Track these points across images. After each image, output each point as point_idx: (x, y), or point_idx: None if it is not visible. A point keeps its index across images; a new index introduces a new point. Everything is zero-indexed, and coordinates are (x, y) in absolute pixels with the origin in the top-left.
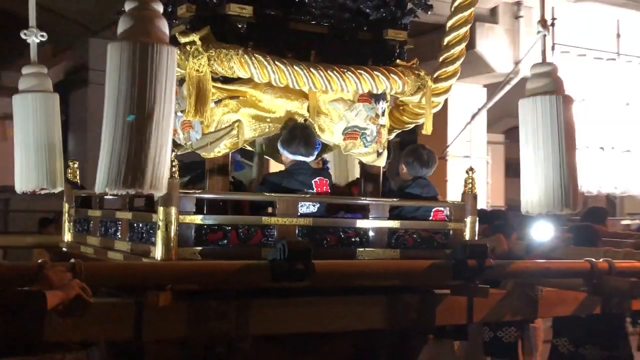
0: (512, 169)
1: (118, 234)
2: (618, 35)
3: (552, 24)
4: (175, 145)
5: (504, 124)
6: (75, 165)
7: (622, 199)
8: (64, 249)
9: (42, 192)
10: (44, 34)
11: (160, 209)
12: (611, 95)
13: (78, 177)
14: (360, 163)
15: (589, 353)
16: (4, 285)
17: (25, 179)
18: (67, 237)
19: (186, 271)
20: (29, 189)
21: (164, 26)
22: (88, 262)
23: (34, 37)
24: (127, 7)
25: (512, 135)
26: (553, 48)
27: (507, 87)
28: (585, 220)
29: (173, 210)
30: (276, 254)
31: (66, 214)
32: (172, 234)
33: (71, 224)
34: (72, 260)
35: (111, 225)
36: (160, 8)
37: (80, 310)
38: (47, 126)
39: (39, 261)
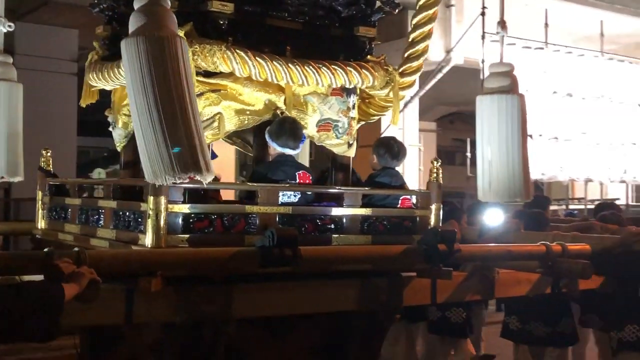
0: (443, 157)
1: (101, 221)
2: (546, 25)
3: (483, 14)
4: None
5: (436, 112)
6: (49, 154)
7: (549, 185)
8: (38, 236)
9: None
10: (12, 24)
11: (151, 198)
12: (539, 83)
13: (51, 166)
14: (332, 153)
15: (534, 329)
16: (12, 273)
17: None
18: (41, 224)
19: (184, 258)
20: None
21: (173, 20)
22: (89, 250)
23: (1, 27)
24: (137, 4)
25: (443, 124)
26: (483, 37)
27: (439, 76)
28: (528, 206)
29: (162, 199)
30: (265, 240)
31: (40, 202)
32: (162, 223)
33: (45, 211)
34: (76, 249)
35: (93, 213)
36: (169, 4)
37: (94, 296)
38: (10, 115)
39: (46, 250)
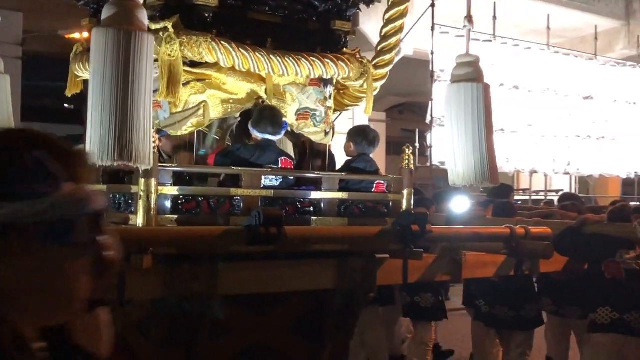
0: (392, 147)
1: None
2: (494, 18)
3: (433, 5)
4: None
5: (385, 103)
6: None
7: (513, 176)
8: None
9: None
10: None
11: (142, 181)
12: (486, 75)
13: None
14: (309, 141)
15: (500, 313)
16: None
17: None
18: None
19: (177, 235)
20: None
21: (143, 16)
22: None
23: None
24: None
25: (392, 114)
26: (433, 29)
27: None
28: (493, 194)
29: (153, 182)
30: (252, 220)
31: None
32: (152, 204)
33: None
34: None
35: None
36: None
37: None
38: (1, 106)
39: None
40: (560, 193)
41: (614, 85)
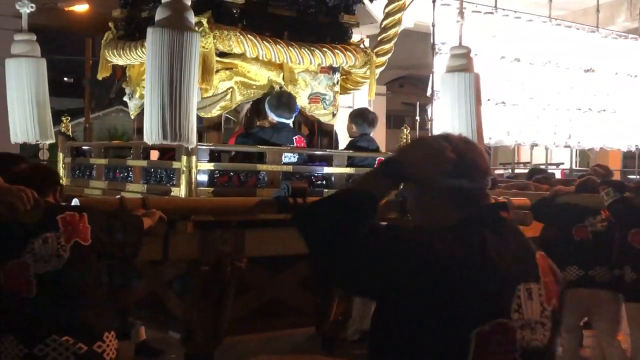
0: (393, 121)
1: (130, 178)
2: None
3: None
4: None
5: (386, 76)
6: (68, 120)
7: (496, 149)
8: None
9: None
10: (34, 5)
11: (184, 158)
12: (488, 48)
13: (70, 131)
14: (318, 121)
15: None
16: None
17: (20, 132)
18: (64, 182)
19: (219, 205)
20: (24, 141)
21: (192, 17)
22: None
23: (25, 8)
24: None
25: (392, 87)
26: (434, 1)
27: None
28: None
29: (194, 158)
30: (281, 192)
31: (61, 162)
32: (193, 177)
33: (66, 171)
34: (140, 196)
35: (122, 171)
36: (189, 1)
37: (162, 230)
38: (38, 88)
39: (117, 197)
40: (530, 168)
41: (615, 58)
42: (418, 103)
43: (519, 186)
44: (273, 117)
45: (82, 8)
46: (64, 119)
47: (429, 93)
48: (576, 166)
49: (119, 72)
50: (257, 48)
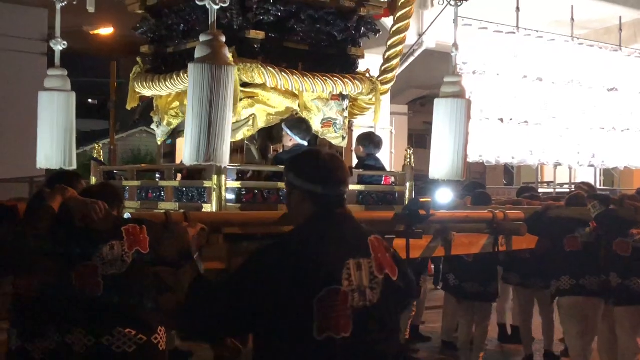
0: (414, 140)
1: (162, 197)
2: (517, 9)
3: None
4: None
5: (407, 96)
6: (100, 147)
7: (519, 168)
8: None
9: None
10: (65, 42)
11: (215, 177)
12: (510, 67)
13: (102, 156)
14: (329, 144)
15: (469, 287)
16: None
17: (45, 159)
18: None
19: (249, 218)
20: (50, 166)
21: (227, 52)
22: (191, 211)
23: (59, 46)
24: (202, 38)
25: (414, 107)
26: (455, 21)
27: (411, 59)
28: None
29: (224, 178)
30: None
31: None
32: (223, 195)
33: None
34: (182, 210)
35: (154, 191)
36: (224, 39)
37: (203, 239)
38: (66, 119)
39: (163, 211)
40: (520, 186)
41: (639, 77)
42: None
43: (512, 202)
44: (295, 138)
45: (107, 31)
46: (96, 145)
47: None
48: (600, 185)
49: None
50: (276, 78)
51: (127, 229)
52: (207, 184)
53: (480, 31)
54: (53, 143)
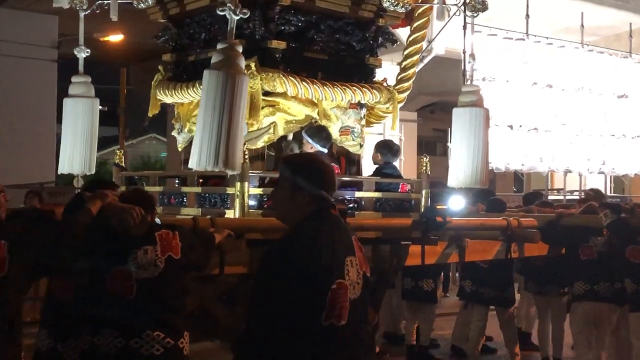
0: (424, 146)
1: (184, 202)
2: (527, 16)
3: (465, 4)
4: None
5: (416, 103)
6: (122, 152)
7: (529, 175)
8: None
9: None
10: (89, 50)
11: (238, 184)
12: (519, 74)
13: (123, 162)
14: (346, 151)
15: (484, 292)
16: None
17: (67, 164)
18: None
19: (271, 224)
20: (73, 172)
21: (242, 62)
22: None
23: (82, 53)
24: (219, 46)
25: (424, 114)
26: (465, 28)
27: (420, 66)
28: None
29: (246, 184)
30: None
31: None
32: (246, 201)
33: None
34: (208, 216)
35: (176, 197)
36: (240, 49)
37: (230, 245)
38: (90, 125)
39: (191, 217)
40: (526, 193)
41: None
42: (449, 129)
43: (523, 210)
44: (314, 145)
45: (116, 38)
46: (117, 151)
47: None
48: (611, 192)
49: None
50: (297, 87)
51: (160, 234)
52: (229, 190)
53: (489, 38)
54: (75, 148)
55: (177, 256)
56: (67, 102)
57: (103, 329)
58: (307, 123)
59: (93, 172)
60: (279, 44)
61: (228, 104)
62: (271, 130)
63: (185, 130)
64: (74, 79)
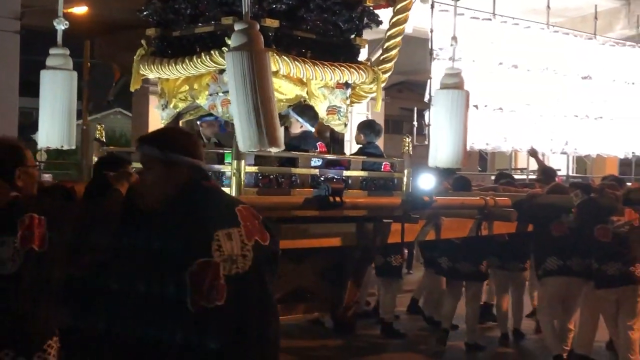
0: (391, 126)
1: None
2: None
3: None
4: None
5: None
6: (102, 127)
7: (493, 155)
8: None
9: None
10: (67, 22)
11: (234, 162)
12: (485, 54)
13: (104, 137)
14: (331, 131)
15: (462, 267)
16: None
17: (47, 137)
18: None
19: (271, 202)
20: (52, 145)
21: (262, 39)
22: None
23: (61, 25)
24: (237, 27)
25: (391, 92)
26: (432, 6)
27: (387, 44)
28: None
29: (243, 162)
30: (321, 191)
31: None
32: (242, 179)
33: None
34: None
35: None
36: (258, 27)
37: None
38: (68, 98)
39: None
40: (497, 173)
41: (612, 65)
42: (416, 108)
43: (489, 189)
44: (305, 124)
45: (81, 10)
46: (98, 125)
47: (426, 98)
48: (573, 173)
49: (118, 75)
50: (289, 66)
51: None
52: (225, 168)
53: (457, 17)
54: (55, 121)
55: None
56: (44, 74)
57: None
58: (296, 102)
59: (73, 146)
60: (272, 23)
61: (259, 82)
62: None
63: (171, 106)
64: (52, 50)
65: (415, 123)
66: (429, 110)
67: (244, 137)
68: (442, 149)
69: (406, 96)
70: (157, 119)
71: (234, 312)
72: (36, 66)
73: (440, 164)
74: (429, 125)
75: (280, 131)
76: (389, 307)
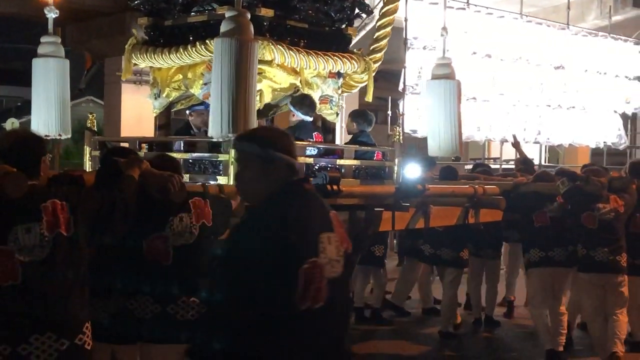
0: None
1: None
2: None
3: None
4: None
5: None
6: (94, 117)
7: (467, 144)
8: None
9: (58, 137)
10: (57, 11)
11: (232, 151)
12: (459, 44)
13: (95, 126)
14: (323, 120)
15: (444, 253)
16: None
17: (42, 126)
18: None
19: None
20: (48, 134)
21: (251, 29)
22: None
23: (52, 14)
24: (228, 14)
25: None
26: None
27: (362, 33)
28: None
29: None
30: (319, 179)
31: (88, 155)
32: None
33: (93, 163)
34: (199, 182)
35: None
36: (248, 16)
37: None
38: (61, 86)
39: (199, 183)
40: (474, 163)
41: (585, 56)
42: (390, 98)
43: (470, 177)
44: (298, 114)
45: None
46: (90, 115)
47: (400, 88)
48: (545, 162)
49: (89, 63)
50: (284, 56)
51: (193, 201)
52: (222, 157)
53: (430, 6)
54: (50, 109)
55: (209, 224)
56: (36, 62)
57: (137, 294)
58: (291, 91)
59: (69, 135)
60: (267, 12)
61: (241, 71)
62: (257, 98)
63: (164, 95)
64: (43, 39)
65: (389, 112)
66: (403, 100)
67: (214, 122)
68: (441, 139)
69: (380, 85)
70: (128, 107)
71: (330, 315)
72: (6, 53)
73: (442, 154)
74: (403, 114)
75: (253, 123)
76: (379, 295)
